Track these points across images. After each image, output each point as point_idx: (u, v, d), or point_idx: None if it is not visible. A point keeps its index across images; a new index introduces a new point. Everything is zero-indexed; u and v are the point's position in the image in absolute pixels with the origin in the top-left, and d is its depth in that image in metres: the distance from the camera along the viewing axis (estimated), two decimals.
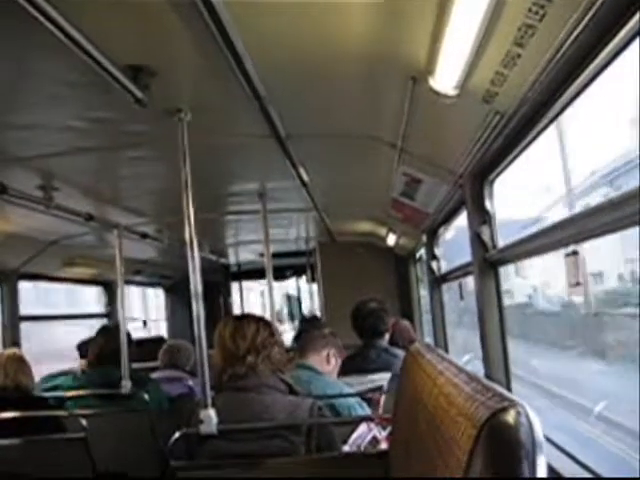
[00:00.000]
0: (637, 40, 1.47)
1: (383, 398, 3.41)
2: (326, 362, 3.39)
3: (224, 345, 2.65)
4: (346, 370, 3.79)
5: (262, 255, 4.97)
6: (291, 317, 11.01)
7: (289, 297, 10.98)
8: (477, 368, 3.22)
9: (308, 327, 3.62)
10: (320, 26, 2.04)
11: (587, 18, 1.46)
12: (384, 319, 4.20)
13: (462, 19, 1.69)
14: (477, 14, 1.63)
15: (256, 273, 9.07)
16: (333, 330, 3.55)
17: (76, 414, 3.56)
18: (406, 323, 5.07)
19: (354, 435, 2.88)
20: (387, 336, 4.23)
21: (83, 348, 4.67)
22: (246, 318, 2.78)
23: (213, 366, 2.69)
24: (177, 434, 2.55)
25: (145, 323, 8.64)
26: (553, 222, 2.21)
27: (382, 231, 6.30)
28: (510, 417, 0.99)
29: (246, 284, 10.12)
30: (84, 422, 3.43)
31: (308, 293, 9.66)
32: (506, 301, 3.05)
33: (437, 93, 2.17)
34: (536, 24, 1.58)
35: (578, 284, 2.32)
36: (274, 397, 2.56)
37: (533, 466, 0.98)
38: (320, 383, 3.24)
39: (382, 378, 3.65)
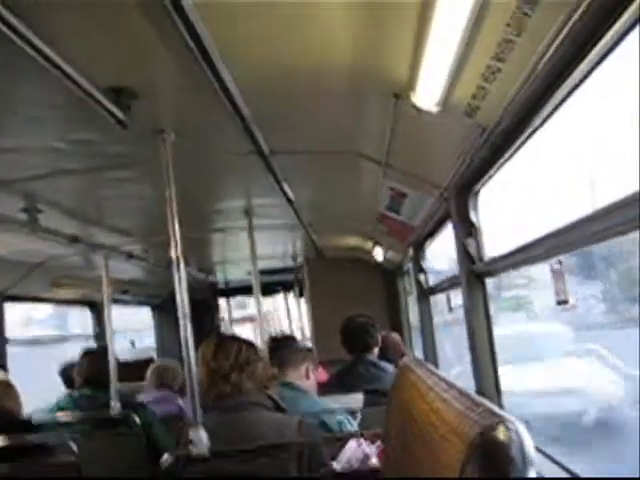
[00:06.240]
0: (613, 53, 1.49)
1: (359, 415, 3.40)
2: (305, 377, 3.37)
3: (207, 364, 2.64)
4: (335, 385, 3.76)
5: (250, 273, 4.95)
6: None
7: None
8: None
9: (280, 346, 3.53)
10: (302, 43, 2.05)
11: (564, 33, 1.47)
12: (372, 334, 4.20)
13: (442, 35, 1.70)
14: (456, 30, 1.64)
15: (244, 290, 9.05)
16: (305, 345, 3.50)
17: (66, 437, 3.52)
18: (397, 336, 5.06)
19: (344, 451, 2.85)
20: (376, 350, 4.23)
21: (65, 374, 4.58)
22: (228, 337, 2.81)
23: (199, 384, 2.67)
24: (166, 456, 2.52)
25: (133, 344, 8.57)
26: (539, 235, 2.21)
27: (369, 245, 6.30)
28: (501, 433, 0.98)
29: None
30: (74, 446, 3.38)
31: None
32: None
33: (419, 109, 2.18)
34: (515, 39, 1.60)
35: (565, 302, 2.25)
36: (261, 414, 2.55)
37: None
38: (307, 402, 3.21)
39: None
